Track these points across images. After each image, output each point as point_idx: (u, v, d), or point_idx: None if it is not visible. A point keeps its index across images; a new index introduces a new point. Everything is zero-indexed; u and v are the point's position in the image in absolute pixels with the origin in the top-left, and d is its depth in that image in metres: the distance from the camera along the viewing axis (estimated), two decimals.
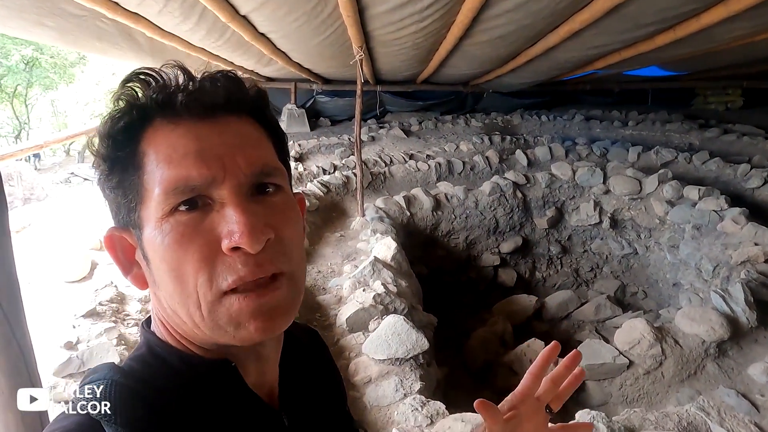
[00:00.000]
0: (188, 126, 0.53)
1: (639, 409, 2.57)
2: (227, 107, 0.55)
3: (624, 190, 6.01)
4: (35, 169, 14.71)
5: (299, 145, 7.61)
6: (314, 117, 9.09)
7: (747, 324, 3.54)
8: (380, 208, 5.55)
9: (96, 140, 0.54)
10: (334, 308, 3.64)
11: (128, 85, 0.54)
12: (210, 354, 0.57)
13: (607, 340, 3.69)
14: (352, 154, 7.00)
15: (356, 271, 3.93)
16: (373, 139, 8.25)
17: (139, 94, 0.54)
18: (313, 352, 0.77)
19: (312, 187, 6.00)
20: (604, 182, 6.22)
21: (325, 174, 6.66)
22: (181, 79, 0.54)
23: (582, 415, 2.38)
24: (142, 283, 0.57)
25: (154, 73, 0.54)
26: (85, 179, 13.51)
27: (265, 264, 0.52)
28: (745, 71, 8.35)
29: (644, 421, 2.42)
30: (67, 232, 5.05)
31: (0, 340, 1.13)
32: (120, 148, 0.53)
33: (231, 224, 0.50)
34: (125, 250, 0.56)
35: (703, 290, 4.61)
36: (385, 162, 7.12)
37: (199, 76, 0.55)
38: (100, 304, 3.31)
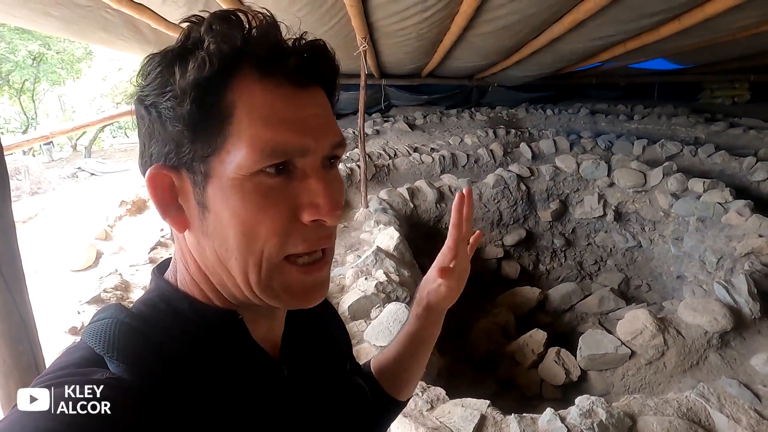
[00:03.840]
0: (287, 92, 0.53)
1: (639, 395, 2.57)
2: (319, 79, 0.57)
3: (628, 183, 5.99)
4: (51, 159, 14.82)
5: None
6: None
7: (750, 315, 3.53)
8: (384, 200, 5.56)
9: (179, 69, 0.50)
10: (336, 297, 3.66)
11: (221, 21, 0.51)
12: (222, 304, 0.58)
13: (610, 332, 3.68)
14: (356, 147, 7.01)
15: (359, 261, 3.94)
16: (377, 132, 8.25)
17: (237, 39, 0.51)
18: (318, 311, 0.78)
19: None
20: (609, 175, 6.19)
21: None
22: (276, 36, 0.53)
23: (581, 401, 2.39)
24: (181, 226, 0.55)
25: (251, 20, 0.52)
26: (92, 174, 13.59)
27: (329, 237, 0.56)
28: (753, 64, 8.30)
29: (644, 407, 2.42)
30: (73, 222, 5.09)
31: (1, 309, 1.15)
32: (209, 90, 0.50)
33: (316, 197, 0.53)
34: (167, 190, 0.54)
35: (707, 282, 4.59)
36: (389, 155, 7.12)
37: (294, 38, 0.55)
38: (105, 291, 3.35)
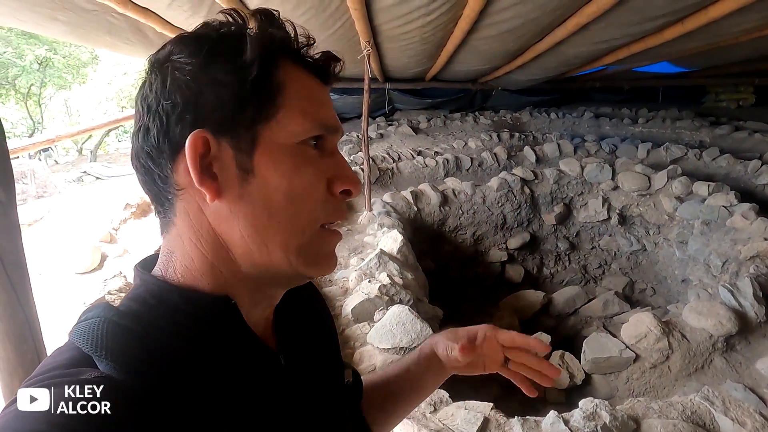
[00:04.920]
0: (319, 83, 0.63)
1: (643, 398, 2.56)
2: (330, 82, 0.65)
3: (633, 186, 5.97)
4: (56, 162, 14.89)
5: None
6: None
7: (755, 318, 3.50)
8: (387, 203, 5.56)
9: (243, 40, 0.57)
10: (339, 299, 3.66)
11: (263, 14, 0.59)
12: (215, 289, 0.57)
13: (614, 336, 3.66)
14: (360, 151, 7.02)
15: (362, 263, 3.94)
16: (381, 136, 8.26)
17: (280, 30, 0.60)
18: (306, 298, 0.79)
19: None
20: (613, 178, 6.17)
21: None
22: (298, 35, 0.62)
23: (585, 404, 2.38)
24: (213, 193, 0.55)
25: (293, 27, 0.61)
26: (97, 178, 13.65)
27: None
28: (757, 68, 8.27)
29: (648, 410, 2.41)
30: (78, 225, 5.11)
31: (6, 308, 1.16)
32: (267, 66, 0.57)
33: (344, 170, 0.62)
34: (206, 156, 0.55)
35: (711, 286, 4.56)
36: (393, 158, 7.12)
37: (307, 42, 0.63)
38: (109, 293, 3.36)
